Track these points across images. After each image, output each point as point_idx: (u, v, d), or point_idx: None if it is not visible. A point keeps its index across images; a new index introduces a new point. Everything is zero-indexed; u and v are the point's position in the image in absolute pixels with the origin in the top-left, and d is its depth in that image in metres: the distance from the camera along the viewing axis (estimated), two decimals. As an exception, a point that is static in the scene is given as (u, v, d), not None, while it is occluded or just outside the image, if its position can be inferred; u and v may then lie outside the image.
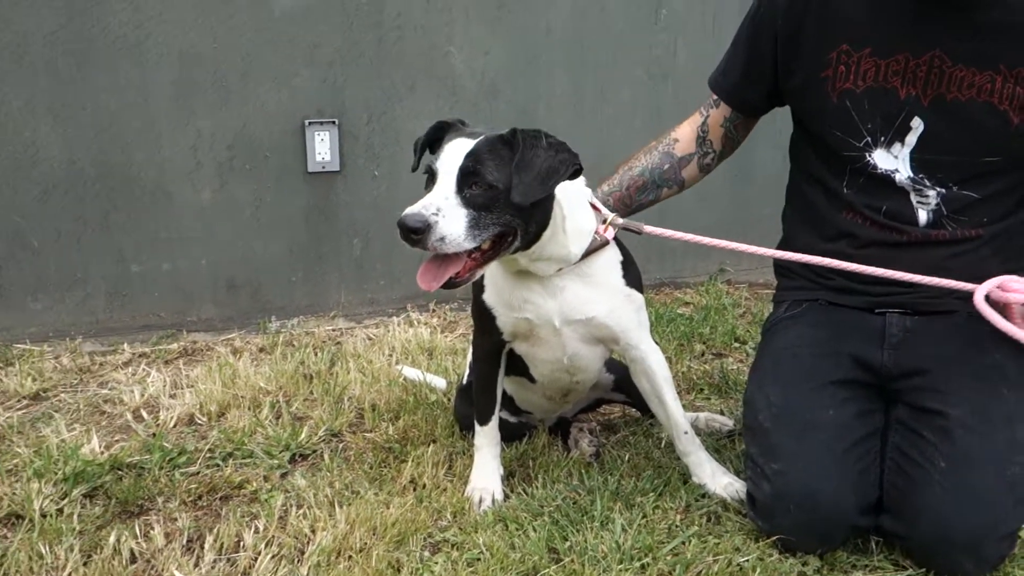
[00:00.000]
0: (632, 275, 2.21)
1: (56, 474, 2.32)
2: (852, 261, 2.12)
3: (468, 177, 1.86)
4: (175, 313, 3.76)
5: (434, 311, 4.01)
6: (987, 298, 1.94)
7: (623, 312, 2.18)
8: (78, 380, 3.18)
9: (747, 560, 1.90)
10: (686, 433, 2.28)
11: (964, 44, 1.95)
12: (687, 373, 3.19)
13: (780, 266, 2.40)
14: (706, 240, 2.20)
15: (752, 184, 4.56)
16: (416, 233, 1.80)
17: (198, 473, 2.39)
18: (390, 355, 3.38)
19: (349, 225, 3.94)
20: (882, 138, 2.07)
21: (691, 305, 4.12)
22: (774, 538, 1.97)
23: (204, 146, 3.65)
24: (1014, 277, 1.97)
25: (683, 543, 1.98)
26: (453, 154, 1.89)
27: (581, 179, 2.11)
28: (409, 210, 1.82)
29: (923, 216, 2.08)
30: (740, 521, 2.10)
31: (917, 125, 2.03)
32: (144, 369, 3.27)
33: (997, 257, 2.10)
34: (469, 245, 1.86)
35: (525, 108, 4.13)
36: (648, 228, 2.15)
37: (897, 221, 2.10)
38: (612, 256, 2.17)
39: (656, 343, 2.31)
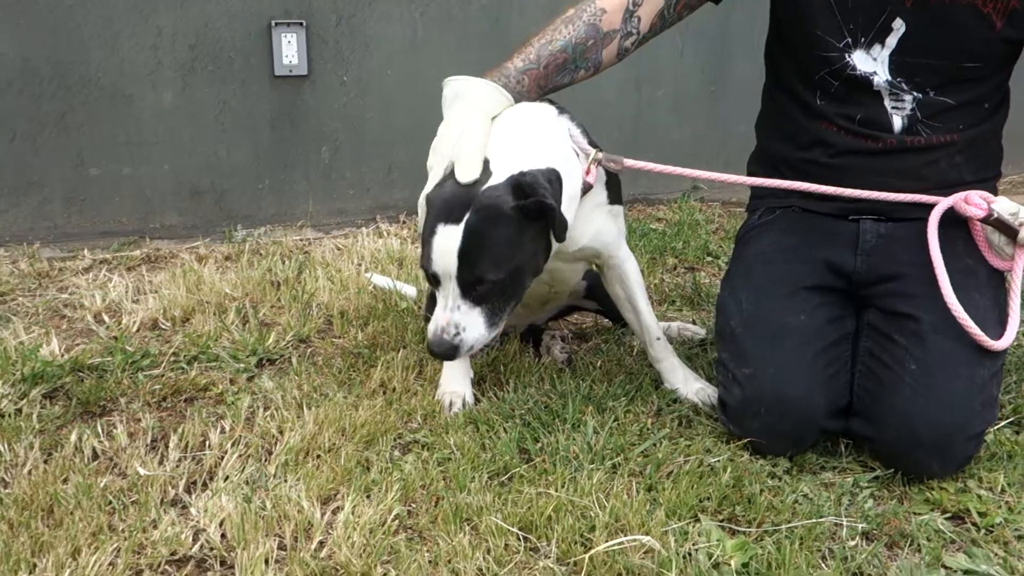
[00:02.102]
0: (614, 189, 2.15)
1: (14, 375, 2.26)
2: (826, 170, 2.10)
3: (471, 284, 1.78)
4: (137, 219, 3.66)
5: (404, 223, 3.95)
6: (952, 211, 1.96)
7: (607, 229, 2.14)
8: (36, 285, 3.09)
9: (718, 461, 1.89)
10: (659, 339, 2.26)
11: None
12: (659, 285, 3.17)
13: (753, 174, 2.36)
14: (688, 172, 2.13)
15: (728, 98, 4.49)
16: (449, 355, 1.82)
17: (162, 376, 2.34)
18: (359, 264, 3.32)
19: (317, 132, 3.83)
20: (862, 39, 2.02)
21: (664, 221, 4.09)
22: (744, 441, 1.97)
23: (165, 45, 3.50)
24: (980, 192, 1.96)
25: (654, 445, 1.97)
26: (444, 256, 1.76)
27: (563, 124, 1.99)
28: (432, 336, 1.80)
29: (898, 122, 2.05)
30: (711, 425, 2.10)
31: (899, 27, 1.98)
32: (105, 275, 3.20)
33: (971, 164, 2.08)
34: (494, 336, 1.86)
35: (498, 15, 4.01)
36: (628, 162, 2.03)
37: (872, 128, 2.06)
38: (598, 188, 2.09)
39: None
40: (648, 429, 2.05)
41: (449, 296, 1.79)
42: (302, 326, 2.68)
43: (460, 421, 2.06)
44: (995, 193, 2.08)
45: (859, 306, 2.10)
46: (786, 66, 2.19)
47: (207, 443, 2.00)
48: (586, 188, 2.00)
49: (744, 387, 1.98)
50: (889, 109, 2.05)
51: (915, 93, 2.02)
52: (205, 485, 1.85)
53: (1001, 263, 1.99)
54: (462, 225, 1.74)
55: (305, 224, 3.87)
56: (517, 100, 1.96)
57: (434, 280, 1.82)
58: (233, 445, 1.97)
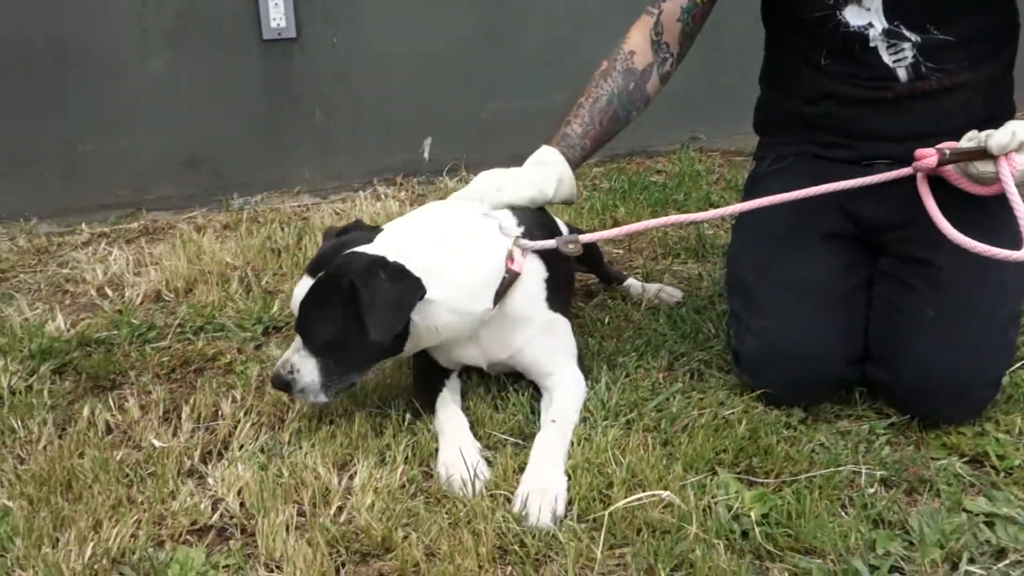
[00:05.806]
0: (557, 297, 2.01)
1: (22, 352, 2.26)
2: (838, 121, 2.07)
3: (305, 332, 1.81)
4: (133, 192, 3.61)
5: (401, 185, 3.91)
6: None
7: (542, 343, 1.96)
8: (36, 261, 3.08)
9: (732, 413, 1.89)
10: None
11: None
12: (663, 238, 3.14)
13: (760, 123, 2.33)
14: (658, 223, 2.10)
15: (721, 50, 4.42)
16: (282, 389, 1.84)
17: (169, 347, 2.34)
18: (359, 228, 3.30)
19: (310, 96, 3.77)
20: None
21: (664, 173, 4.05)
22: (758, 392, 1.96)
23: (151, 14, 3.44)
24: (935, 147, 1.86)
25: (667, 399, 1.96)
26: (295, 302, 1.83)
27: (473, 205, 1.98)
28: (277, 366, 1.84)
29: (903, 73, 1.99)
30: (723, 378, 2.09)
31: None
32: (105, 248, 3.18)
33: (988, 103, 2.02)
34: (324, 399, 1.83)
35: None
36: (588, 237, 2.05)
37: (880, 80, 2.00)
38: (530, 282, 1.94)
39: (579, 369, 2.01)
40: (660, 384, 2.05)
41: (296, 339, 1.84)
42: (306, 293, 2.66)
43: (474, 382, 2.06)
44: None
45: (874, 252, 2.07)
46: (784, 27, 2.15)
47: (219, 413, 1.99)
48: (512, 279, 1.87)
49: (759, 338, 1.97)
50: (891, 64, 1.98)
51: (914, 36, 1.96)
52: (220, 455, 1.85)
53: (988, 189, 1.84)
54: (313, 281, 1.80)
55: (302, 190, 3.83)
56: (582, 159, 2.11)
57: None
58: (245, 414, 1.97)
